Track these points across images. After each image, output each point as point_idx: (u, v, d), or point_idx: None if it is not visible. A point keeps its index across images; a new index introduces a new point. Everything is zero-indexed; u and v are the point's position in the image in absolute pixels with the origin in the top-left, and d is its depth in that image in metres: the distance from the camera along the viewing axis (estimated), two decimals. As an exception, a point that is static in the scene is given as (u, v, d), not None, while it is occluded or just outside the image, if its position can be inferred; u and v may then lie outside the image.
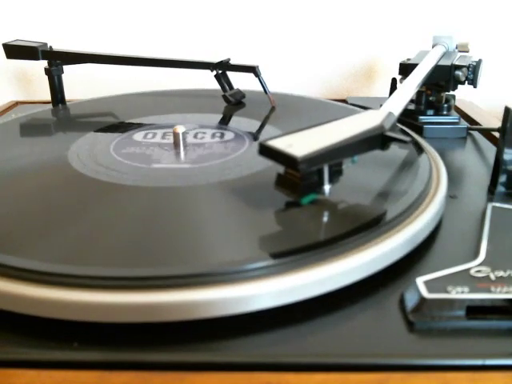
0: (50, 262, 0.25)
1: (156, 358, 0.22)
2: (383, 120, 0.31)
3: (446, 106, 0.50)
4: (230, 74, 0.54)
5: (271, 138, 0.28)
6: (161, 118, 0.49)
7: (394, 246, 0.27)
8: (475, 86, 0.49)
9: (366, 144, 0.29)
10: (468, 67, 0.48)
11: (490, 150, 0.45)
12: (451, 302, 0.24)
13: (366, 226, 0.28)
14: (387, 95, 0.51)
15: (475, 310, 0.24)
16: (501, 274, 0.25)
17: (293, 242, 0.26)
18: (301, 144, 0.27)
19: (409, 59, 0.51)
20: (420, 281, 0.25)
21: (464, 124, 0.50)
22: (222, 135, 0.44)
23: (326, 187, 0.29)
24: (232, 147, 0.41)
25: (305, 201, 0.29)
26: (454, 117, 0.50)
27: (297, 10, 0.67)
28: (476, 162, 0.43)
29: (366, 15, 0.67)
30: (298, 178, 0.28)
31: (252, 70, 0.52)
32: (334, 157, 0.28)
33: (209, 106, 0.52)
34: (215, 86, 0.54)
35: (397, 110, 0.35)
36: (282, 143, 0.27)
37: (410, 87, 0.41)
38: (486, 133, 0.49)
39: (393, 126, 0.32)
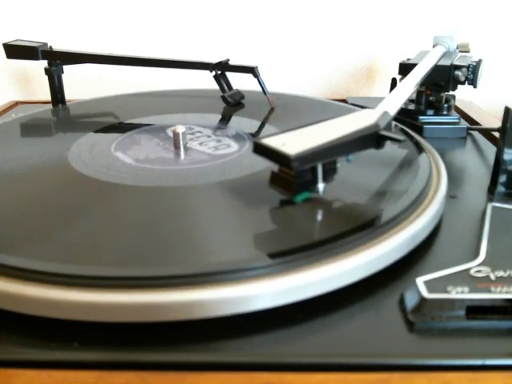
0: (50, 261, 0.25)
1: (156, 358, 0.22)
2: (378, 119, 0.31)
3: (445, 106, 0.50)
4: (229, 73, 0.54)
5: (265, 137, 0.28)
6: (161, 118, 0.48)
7: (394, 246, 0.27)
8: (475, 86, 0.49)
9: (360, 143, 0.29)
10: (468, 67, 0.48)
11: (490, 149, 0.45)
12: (451, 302, 0.24)
13: (365, 225, 0.28)
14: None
15: (475, 310, 0.24)
16: (501, 274, 0.25)
17: (293, 241, 0.26)
18: (294, 142, 0.27)
19: (409, 59, 0.51)
20: (420, 281, 0.25)
21: (464, 124, 0.50)
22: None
23: (320, 185, 0.29)
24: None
25: (298, 199, 0.29)
26: (453, 117, 0.50)
27: (296, 10, 0.67)
28: (476, 162, 0.43)
29: (366, 15, 0.67)
30: (292, 176, 0.28)
31: (251, 70, 0.52)
32: (328, 155, 0.28)
33: (209, 107, 0.52)
34: (215, 86, 0.54)
35: (393, 110, 0.35)
36: (275, 141, 0.27)
37: (407, 87, 0.41)
38: (486, 133, 0.49)
39: (388, 125, 0.32)
